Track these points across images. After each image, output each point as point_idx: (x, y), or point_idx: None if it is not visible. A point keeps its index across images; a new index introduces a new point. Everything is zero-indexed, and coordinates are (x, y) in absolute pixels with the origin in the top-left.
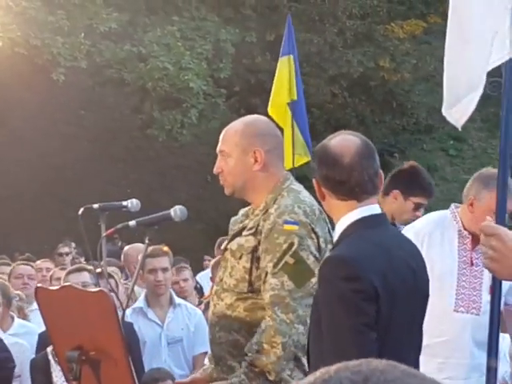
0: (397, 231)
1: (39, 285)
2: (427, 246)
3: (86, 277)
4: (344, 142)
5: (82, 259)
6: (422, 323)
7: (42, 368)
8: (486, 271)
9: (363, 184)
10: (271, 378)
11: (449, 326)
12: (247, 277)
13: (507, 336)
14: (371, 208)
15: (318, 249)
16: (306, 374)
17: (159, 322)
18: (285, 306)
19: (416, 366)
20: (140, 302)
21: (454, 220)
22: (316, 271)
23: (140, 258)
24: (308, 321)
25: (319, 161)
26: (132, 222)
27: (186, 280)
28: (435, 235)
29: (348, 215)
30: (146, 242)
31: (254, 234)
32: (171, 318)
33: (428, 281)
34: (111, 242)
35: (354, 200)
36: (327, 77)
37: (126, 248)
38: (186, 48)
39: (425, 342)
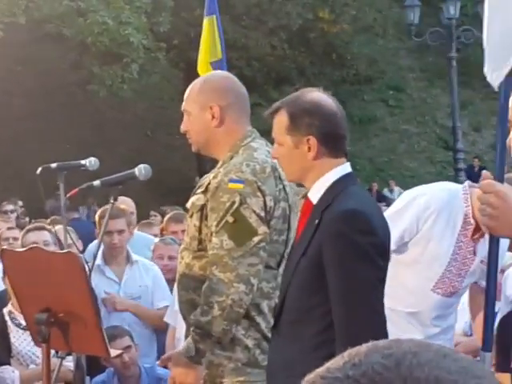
0: None
1: (5, 247)
2: (433, 222)
3: (46, 236)
4: (327, 98)
5: (27, 218)
6: None
7: None
8: (477, 260)
9: (347, 140)
10: (213, 339)
11: (419, 302)
12: (197, 235)
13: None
14: (349, 166)
15: (265, 207)
16: (262, 334)
17: (116, 280)
18: (223, 265)
19: None
20: (97, 260)
21: (465, 202)
22: (259, 230)
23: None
24: (252, 280)
25: (317, 117)
26: (96, 182)
27: (184, 231)
28: (443, 214)
29: (330, 173)
30: (111, 201)
31: (204, 192)
32: (128, 275)
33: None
34: (54, 197)
35: (343, 156)
36: (267, 29)
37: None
38: (125, 2)
39: (390, 305)
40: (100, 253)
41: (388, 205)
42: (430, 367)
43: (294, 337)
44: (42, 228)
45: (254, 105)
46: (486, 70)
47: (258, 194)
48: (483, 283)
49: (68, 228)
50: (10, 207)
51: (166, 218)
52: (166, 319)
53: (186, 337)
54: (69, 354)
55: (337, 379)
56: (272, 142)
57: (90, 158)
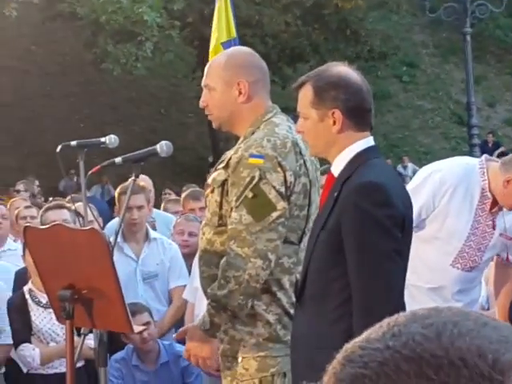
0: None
1: (27, 224)
2: (449, 198)
3: (65, 214)
4: (353, 72)
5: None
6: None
7: (19, 307)
8: (496, 234)
9: (373, 114)
10: (229, 313)
11: (439, 277)
12: (218, 210)
13: None
14: (372, 139)
15: (285, 182)
16: (284, 309)
17: (134, 257)
18: (241, 240)
19: None
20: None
21: (481, 176)
22: (278, 205)
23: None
24: (270, 255)
25: (344, 90)
26: (118, 159)
27: (201, 208)
28: (460, 189)
29: (357, 144)
30: (132, 178)
31: (225, 168)
32: (146, 252)
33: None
34: (68, 176)
35: (367, 130)
36: (280, 6)
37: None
38: None
39: (412, 281)
40: (120, 231)
41: (402, 181)
42: (470, 337)
43: (315, 310)
44: (62, 206)
45: None
46: None
47: (279, 169)
48: (504, 255)
49: (90, 205)
50: (21, 186)
51: (183, 196)
52: (184, 296)
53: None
54: (90, 332)
55: (377, 350)
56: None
57: (110, 136)
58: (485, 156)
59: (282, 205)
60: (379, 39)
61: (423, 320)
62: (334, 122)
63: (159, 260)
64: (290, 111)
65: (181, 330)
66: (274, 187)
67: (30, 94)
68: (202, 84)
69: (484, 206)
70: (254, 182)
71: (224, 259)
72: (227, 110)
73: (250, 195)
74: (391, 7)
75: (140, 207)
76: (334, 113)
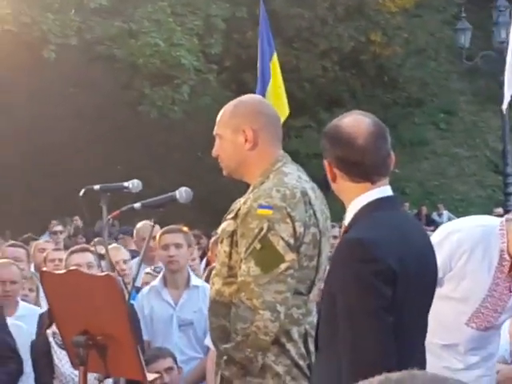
0: (409, 215)
1: (44, 269)
2: (466, 260)
3: (89, 257)
4: (356, 122)
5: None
6: (428, 310)
7: (42, 350)
8: None
9: (376, 165)
10: (239, 366)
11: (453, 335)
12: (227, 261)
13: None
14: (384, 190)
15: (294, 234)
16: (293, 361)
17: (172, 303)
18: (249, 292)
19: (423, 350)
20: (156, 281)
21: (501, 239)
22: (287, 257)
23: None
24: (278, 307)
25: (332, 141)
26: (137, 204)
27: (194, 259)
28: (477, 251)
29: (361, 197)
30: (152, 223)
31: (234, 218)
32: (185, 299)
33: (436, 267)
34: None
35: (367, 182)
36: (318, 51)
37: (140, 225)
38: (176, 24)
39: (427, 338)
40: (161, 274)
41: (436, 229)
42: None
43: (325, 362)
44: (86, 250)
45: (304, 127)
46: (506, 95)
47: (288, 220)
48: None
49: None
50: (59, 228)
51: (211, 241)
52: (206, 342)
53: (216, 364)
54: (107, 377)
55: None
56: (321, 165)
57: (133, 180)
58: (506, 217)
59: (290, 256)
60: (417, 86)
61: (397, 383)
62: (330, 173)
63: (197, 308)
64: None
65: None
66: (283, 238)
67: (68, 135)
68: (214, 133)
69: (503, 268)
70: (263, 234)
71: (233, 311)
72: (235, 158)
73: (259, 246)
74: (429, 54)
75: (178, 245)
76: (329, 163)
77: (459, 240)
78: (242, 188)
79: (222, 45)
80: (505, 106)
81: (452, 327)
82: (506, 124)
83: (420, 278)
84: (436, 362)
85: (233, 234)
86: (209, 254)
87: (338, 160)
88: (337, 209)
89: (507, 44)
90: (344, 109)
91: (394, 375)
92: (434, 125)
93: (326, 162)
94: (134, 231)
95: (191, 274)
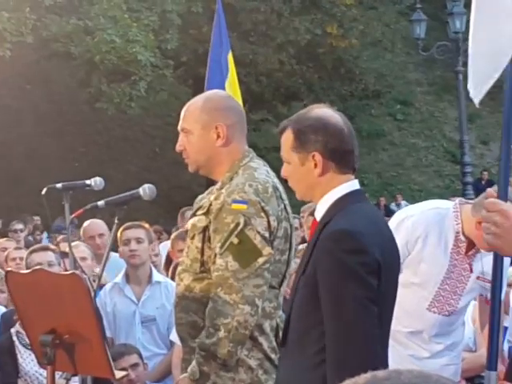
0: (375, 207)
1: (9, 269)
2: (422, 245)
3: (51, 256)
4: (330, 113)
5: (44, 234)
6: (396, 299)
7: (7, 350)
8: (473, 277)
9: (357, 155)
10: (219, 361)
11: (416, 321)
12: (199, 257)
13: (472, 301)
14: (356, 182)
15: (269, 228)
16: (265, 354)
17: (135, 299)
18: (228, 287)
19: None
20: (119, 278)
21: (455, 220)
22: (264, 251)
23: (111, 237)
24: (257, 301)
25: (322, 132)
26: (101, 202)
27: (157, 255)
28: (433, 234)
29: (339, 188)
30: (116, 221)
31: (205, 214)
32: (147, 295)
33: (399, 257)
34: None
35: (350, 173)
36: (275, 45)
37: (86, 223)
38: (132, 20)
39: (392, 326)
40: (123, 271)
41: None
42: None
43: (296, 356)
44: (46, 248)
45: (262, 121)
46: (469, 85)
47: (262, 214)
48: (487, 294)
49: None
50: (19, 226)
51: (172, 237)
52: (171, 337)
53: (184, 360)
54: (74, 375)
55: None
56: (280, 158)
57: (96, 178)
58: (459, 200)
59: (267, 250)
60: (373, 77)
61: (382, 382)
62: (316, 165)
63: (160, 304)
64: None
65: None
66: (259, 232)
67: (26, 132)
68: (179, 127)
69: (459, 249)
70: (240, 228)
71: (211, 306)
72: (205, 154)
73: (236, 241)
74: (385, 46)
75: (138, 239)
76: (314, 156)
77: (414, 224)
78: (200, 183)
79: (178, 40)
80: (477, 100)
81: (415, 314)
82: (462, 114)
83: (393, 268)
84: (402, 350)
85: (205, 229)
86: (169, 249)
87: (330, 151)
88: (292, 202)
89: (462, 34)
90: (302, 102)
91: (380, 373)
92: (391, 116)
93: (316, 156)
94: (81, 230)
95: (153, 269)
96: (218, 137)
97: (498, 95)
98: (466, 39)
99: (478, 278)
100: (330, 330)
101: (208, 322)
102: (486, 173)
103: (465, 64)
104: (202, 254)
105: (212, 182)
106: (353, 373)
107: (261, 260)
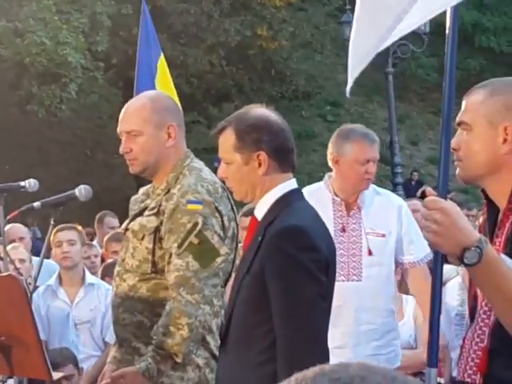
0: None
1: None
2: None
3: None
4: (271, 113)
5: None
6: None
7: None
8: (363, 234)
9: (295, 155)
10: (178, 360)
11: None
12: (150, 257)
13: (411, 298)
14: (295, 181)
15: (222, 227)
16: (211, 353)
17: (68, 302)
18: (190, 287)
19: None
20: (52, 280)
21: (327, 189)
22: (221, 251)
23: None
24: (214, 301)
25: (268, 131)
26: (37, 204)
27: (96, 256)
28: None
29: (280, 186)
30: (52, 223)
31: (156, 214)
32: (81, 297)
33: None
34: None
35: (290, 172)
36: (205, 46)
37: (8, 227)
38: (62, 22)
39: None
40: (56, 273)
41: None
42: None
43: (239, 355)
44: None
45: (193, 122)
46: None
47: (217, 214)
48: (402, 258)
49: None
50: None
51: (105, 238)
52: (107, 339)
53: (125, 360)
54: (10, 377)
55: None
56: (210, 159)
57: (30, 180)
58: (327, 174)
59: (224, 250)
60: (303, 79)
61: (331, 374)
62: (260, 164)
63: (94, 306)
64: (215, 152)
65: (116, 373)
66: (216, 232)
67: None
68: (122, 130)
69: (340, 212)
70: (198, 228)
71: (174, 306)
72: (155, 155)
73: (196, 241)
74: (315, 47)
75: (70, 241)
76: (259, 155)
77: None
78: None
79: (108, 42)
80: (348, 89)
81: None
82: (392, 115)
83: (334, 264)
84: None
85: (156, 230)
86: (103, 251)
87: (275, 150)
88: None
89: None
90: (232, 103)
91: (327, 367)
92: (322, 117)
93: (262, 155)
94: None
95: (86, 271)
96: (169, 137)
97: (426, 96)
98: (396, 41)
99: (368, 234)
100: (281, 327)
101: (169, 321)
102: (416, 173)
103: (394, 65)
104: (154, 254)
105: (142, 184)
106: (305, 368)
107: (219, 260)
